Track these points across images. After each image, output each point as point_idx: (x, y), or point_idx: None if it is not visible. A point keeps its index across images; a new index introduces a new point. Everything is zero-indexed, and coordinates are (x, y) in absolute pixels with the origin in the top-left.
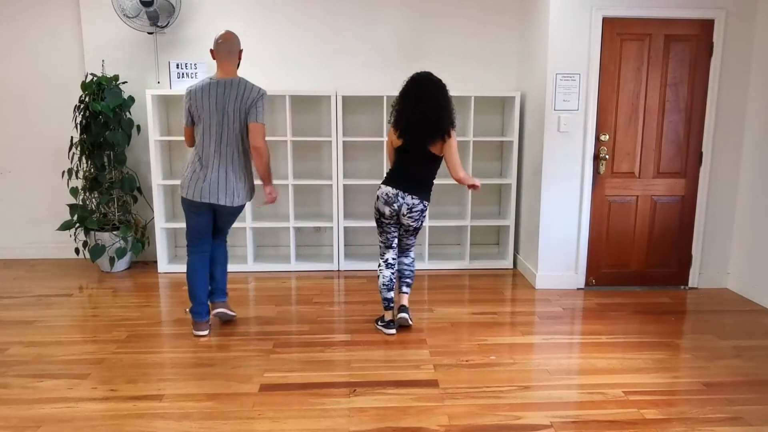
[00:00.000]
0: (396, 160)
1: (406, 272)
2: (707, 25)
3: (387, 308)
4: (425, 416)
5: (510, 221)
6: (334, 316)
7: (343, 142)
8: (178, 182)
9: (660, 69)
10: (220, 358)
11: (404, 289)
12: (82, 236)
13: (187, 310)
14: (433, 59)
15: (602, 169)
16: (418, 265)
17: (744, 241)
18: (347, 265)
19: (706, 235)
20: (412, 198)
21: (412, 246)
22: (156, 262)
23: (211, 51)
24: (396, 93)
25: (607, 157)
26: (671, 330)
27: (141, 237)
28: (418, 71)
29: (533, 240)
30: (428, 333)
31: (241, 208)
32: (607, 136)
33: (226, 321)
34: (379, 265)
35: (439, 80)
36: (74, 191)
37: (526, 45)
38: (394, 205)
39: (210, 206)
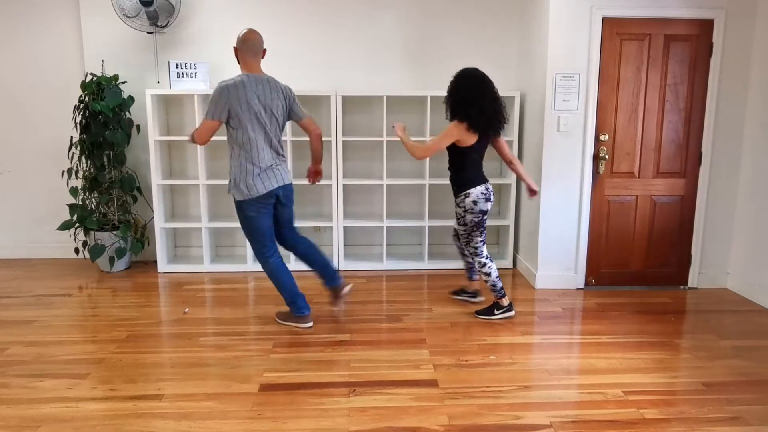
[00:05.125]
0: (467, 160)
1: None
2: (707, 25)
3: (504, 294)
4: (425, 416)
5: (510, 221)
6: (333, 316)
7: (343, 142)
8: (177, 182)
9: (660, 69)
10: (219, 358)
11: (476, 276)
12: (81, 236)
13: (187, 310)
14: (433, 59)
15: (602, 168)
16: (417, 265)
17: (744, 241)
18: (347, 265)
19: (705, 235)
20: (489, 183)
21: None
22: (156, 262)
23: (236, 49)
24: (396, 93)
25: (606, 157)
26: (671, 330)
27: (141, 237)
28: (467, 68)
29: (533, 240)
30: (428, 333)
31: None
32: (607, 136)
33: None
34: (486, 264)
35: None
36: (74, 191)
37: (525, 45)
38: (492, 197)
39: (275, 196)
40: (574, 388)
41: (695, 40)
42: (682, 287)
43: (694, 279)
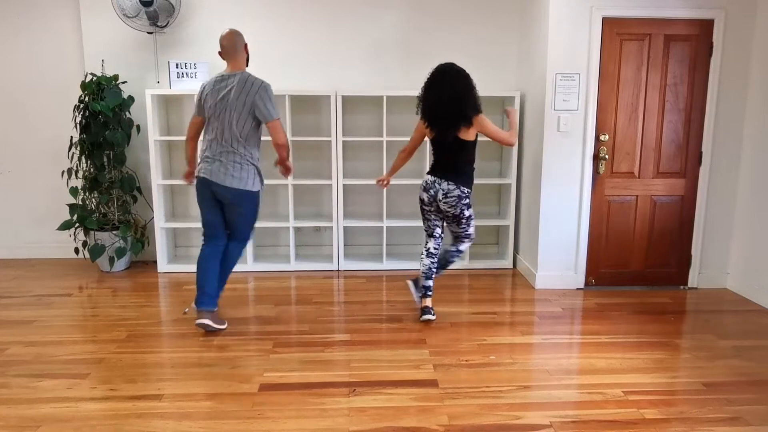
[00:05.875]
0: (433, 152)
1: (442, 261)
2: (707, 25)
3: (425, 296)
4: (425, 416)
5: (510, 221)
6: (333, 316)
7: (343, 142)
8: (177, 182)
9: (660, 69)
10: (219, 358)
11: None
12: (81, 236)
13: (187, 310)
14: (433, 59)
15: (602, 169)
16: (417, 265)
17: (743, 241)
18: (347, 265)
19: (705, 235)
20: (448, 184)
21: (463, 237)
22: (156, 261)
23: (219, 53)
24: (395, 93)
25: (606, 157)
26: (671, 330)
27: (140, 237)
28: (443, 63)
29: (533, 240)
30: (428, 333)
31: (247, 196)
32: (607, 136)
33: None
34: (421, 254)
35: (462, 69)
36: (74, 191)
37: (525, 45)
38: (431, 191)
39: (214, 193)
40: (574, 388)
41: (695, 40)
42: (682, 287)
43: (694, 279)
